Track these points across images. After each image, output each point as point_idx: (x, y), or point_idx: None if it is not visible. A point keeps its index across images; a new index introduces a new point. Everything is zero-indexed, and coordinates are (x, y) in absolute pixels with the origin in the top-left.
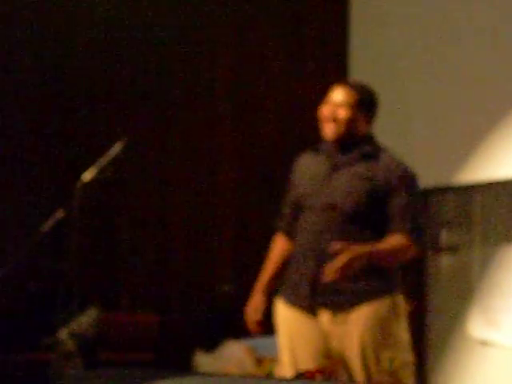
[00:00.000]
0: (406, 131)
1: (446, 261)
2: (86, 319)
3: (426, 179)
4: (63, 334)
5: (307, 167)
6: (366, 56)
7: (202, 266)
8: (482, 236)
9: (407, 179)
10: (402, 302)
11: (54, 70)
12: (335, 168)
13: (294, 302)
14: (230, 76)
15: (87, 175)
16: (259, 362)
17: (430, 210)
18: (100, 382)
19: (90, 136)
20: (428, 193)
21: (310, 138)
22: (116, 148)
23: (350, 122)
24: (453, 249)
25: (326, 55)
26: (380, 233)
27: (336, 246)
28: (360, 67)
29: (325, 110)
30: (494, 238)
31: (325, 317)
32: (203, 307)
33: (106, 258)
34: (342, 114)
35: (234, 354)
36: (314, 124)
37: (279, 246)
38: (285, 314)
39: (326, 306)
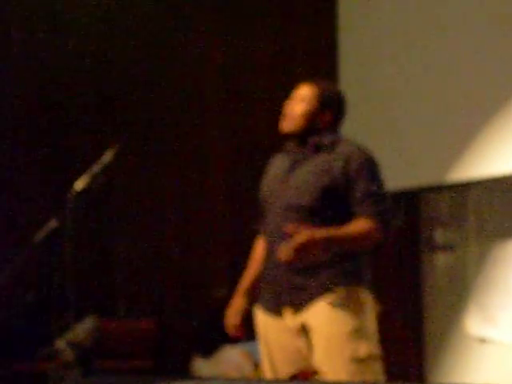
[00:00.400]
0: (397, 130)
1: (441, 259)
2: (84, 328)
3: (419, 178)
4: (61, 343)
5: (273, 168)
6: (355, 54)
7: (197, 270)
8: (477, 233)
9: (367, 164)
10: (366, 296)
11: (45, 79)
12: (293, 165)
13: (265, 306)
14: (220, 79)
15: (79, 184)
16: (257, 366)
17: (424, 209)
18: None
19: (80, 144)
20: (421, 191)
21: None
22: (107, 155)
23: (306, 117)
24: (448, 247)
25: (316, 55)
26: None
27: (291, 227)
28: (350, 65)
29: (286, 107)
30: (489, 235)
31: (288, 316)
32: (200, 312)
33: (101, 265)
34: (299, 108)
35: (231, 359)
36: None
37: (259, 249)
38: (260, 319)
39: (286, 305)
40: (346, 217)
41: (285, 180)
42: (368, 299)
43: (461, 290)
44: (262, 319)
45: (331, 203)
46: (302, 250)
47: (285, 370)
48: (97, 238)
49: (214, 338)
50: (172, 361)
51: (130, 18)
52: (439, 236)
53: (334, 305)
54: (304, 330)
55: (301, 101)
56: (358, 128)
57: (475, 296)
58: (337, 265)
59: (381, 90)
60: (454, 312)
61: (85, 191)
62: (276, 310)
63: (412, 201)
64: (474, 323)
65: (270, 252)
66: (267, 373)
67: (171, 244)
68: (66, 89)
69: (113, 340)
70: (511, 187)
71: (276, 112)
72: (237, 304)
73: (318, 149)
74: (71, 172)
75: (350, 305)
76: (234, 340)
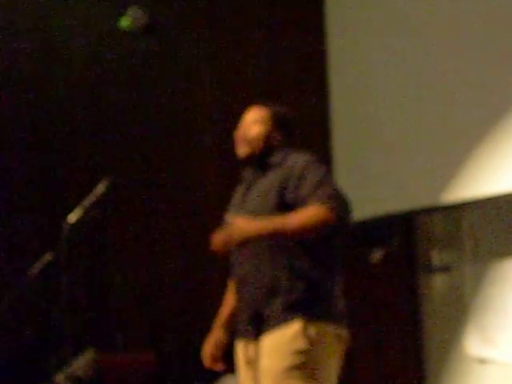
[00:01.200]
0: (390, 152)
1: (438, 281)
2: (82, 362)
3: (414, 200)
4: (60, 378)
5: (233, 199)
6: (346, 74)
7: (197, 300)
8: (473, 254)
9: (310, 164)
10: (329, 330)
11: (33, 107)
12: (247, 190)
13: (238, 335)
14: (212, 105)
15: (73, 216)
16: None
17: (420, 231)
18: None
19: (73, 177)
20: (416, 213)
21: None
22: (100, 187)
23: (264, 138)
24: (444, 268)
25: (305, 74)
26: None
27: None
28: (340, 86)
29: (238, 132)
30: (485, 255)
31: (240, 349)
32: (200, 342)
33: (97, 297)
34: (255, 130)
35: None
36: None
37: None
38: (237, 345)
39: (243, 335)
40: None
41: (241, 205)
42: (327, 335)
43: (459, 311)
44: (239, 345)
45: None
46: (234, 238)
47: None
48: (92, 269)
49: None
50: None
51: (122, 48)
52: (435, 257)
53: (276, 340)
54: (252, 362)
55: (255, 123)
56: (350, 151)
57: (473, 317)
58: (296, 292)
59: (373, 114)
60: (452, 333)
61: (78, 223)
62: (244, 336)
63: (407, 223)
64: (473, 344)
65: (236, 281)
66: None
67: (169, 274)
68: (58, 121)
69: (112, 373)
70: (506, 207)
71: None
72: (215, 336)
73: (268, 168)
74: (64, 205)
75: (294, 339)
76: (234, 369)
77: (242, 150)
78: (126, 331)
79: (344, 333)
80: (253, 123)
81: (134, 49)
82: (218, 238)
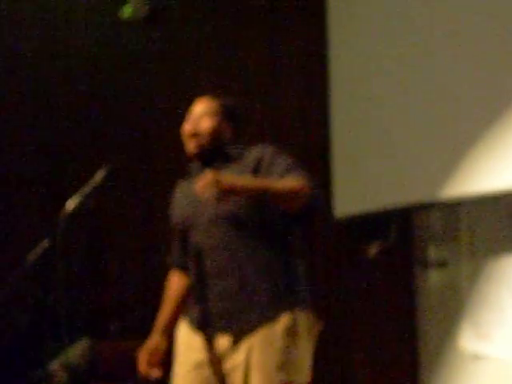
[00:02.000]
0: (388, 147)
1: (434, 276)
2: (77, 350)
3: (411, 195)
4: (54, 365)
5: (183, 194)
6: (346, 70)
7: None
8: (470, 250)
9: (278, 153)
10: (303, 320)
11: (33, 98)
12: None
13: (193, 325)
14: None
15: (70, 204)
16: None
17: (417, 227)
18: None
19: (72, 164)
20: (413, 209)
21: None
22: (99, 175)
23: (215, 132)
24: (441, 264)
25: (306, 69)
26: (280, 235)
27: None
28: (341, 81)
29: (186, 126)
30: (482, 252)
31: (221, 342)
32: None
33: (93, 286)
34: (205, 124)
35: None
36: (293, 143)
37: (175, 283)
38: (183, 338)
39: (221, 331)
40: (277, 221)
41: (199, 200)
42: (305, 324)
43: (454, 307)
44: (185, 338)
45: (251, 211)
46: (221, 186)
47: None
48: (89, 258)
49: None
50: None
51: (124, 40)
52: (432, 253)
53: (268, 336)
54: (233, 356)
55: (204, 116)
56: (349, 146)
57: (469, 313)
58: (272, 283)
59: (372, 109)
60: (447, 329)
61: (76, 211)
62: (207, 332)
63: (405, 218)
64: (468, 340)
65: (199, 272)
66: None
67: (164, 263)
68: (59, 109)
69: (107, 362)
70: (503, 203)
71: (268, 130)
72: (154, 343)
73: (226, 161)
74: (63, 192)
75: (287, 333)
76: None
77: (191, 145)
78: (121, 320)
79: (315, 319)
80: (202, 116)
81: (136, 38)
82: (207, 179)
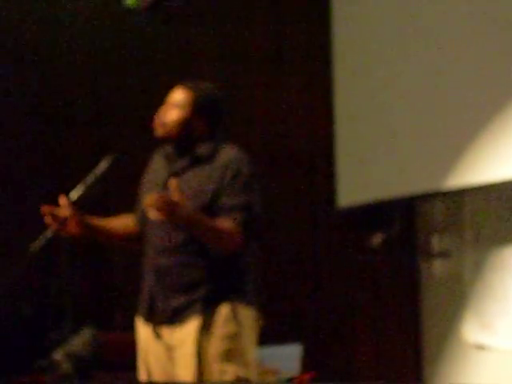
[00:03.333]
0: (392, 137)
1: (438, 266)
2: (81, 339)
3: (415, 185)
4: (58, 355)
5: (152, 169)
6: (350, 60)
7: None
8: (474, 240)
9: (242, 174)
10: (244, 313)
11: (36, 86)
12: (170, 177)
13: (144, 318)
14: (217, 82)
15: (74, 193)
16: (261, 372)
17: (420, 216)
18: None
19: (75, 153)
20: (417, 199)
21: (294, 148)
22: (103, 164)
23: (180, 125)
24: (444, 254)
25: (310, 61)
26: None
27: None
28: (344, 72)
29: (159, 110)
30: (486, 242)
31: (164, 332)
32: None
33: (98, 276)
34: (172, 115)
35: None
36: (298, 134)
37: (126, 216)
38: (140, 331)
39: (162, 321)
40: None
41: (162, 192)
42: (247, 317)
43: (458, 297)
44: (141, 330)
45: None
46: (168, 206)
47: (160, 378)
48: (94, 247)
49: None
50: None
51: (128, 27)
52: (436, 243)
53: (206, 325)
54: (176, 345)
55: (175, 106)
56: (352, 136)
57: (472, 303)
58: (215, 280)
59: (375, 99)
60: (451, 319)
61: (80, 200)
62: (153, 322)
63: (408, 208)
64: (472, 330)
65: (148, 266)
66: (143, 378)
67: None
68: (62, 98)
69: (110, 351)
70: (507, 193)
71: (272, 121)
72: (77, 212)
73: (196, 161)
74: (66, 182)
75: (223, 325)
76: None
77: (157, 131)
78: (125, 310)
79: (258, 314)
80: (172, 107)
81: (139, 27)
82: (161, 200)
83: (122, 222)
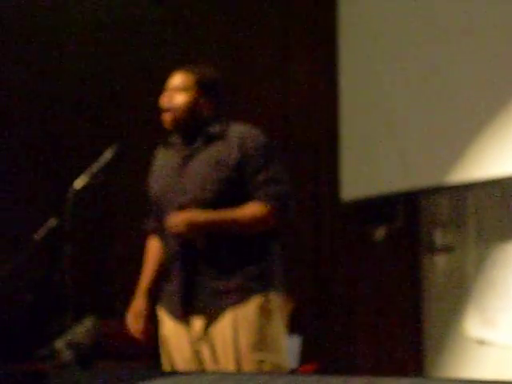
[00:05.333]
0: (396, 132)
1: (440, 261)
2: (82, 328)
3: (419, 180)
4: (59, 343)
5: (159, 165)
6: (355, 55)
7: None
8: (477, 235)
9: (262, 147)
10: (275, 301)
11: (43, 76)
12: (184, 161)
13: (169, 311)
14: (220, 69)
15: (79, 182)
16: None
17: (424, 211)
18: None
19: (80, 143)
20: (421, 193)
21: (298, 140)
22: (107, 154)
23: (189, 107)
24: (447, 249)
25: (315, 55)
26: None
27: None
28: (349, 66)
29: (162, 98)
30: (489, 237)
31: (197, 325)
32: None
33: (100, 265)
34: (179, 99)
35: None
36: (302, 126)
37: (153, 248)
38: (163, 321)
39: (196, 313)
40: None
41: (178, 176)
42: (278, 305)
43: (460, 292)
44: (165, 320)
45: (232, 195)
46: (189, 225)
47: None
48: (96, 237)
49: None
50: None
51: (131, 18)
52: (439, 238)
53: (246, 315)
54: (209, 338)
55: (179, 91)
56: (357, 129)
57: (474, 298)
58: (247, 267)
59: (380, 92)
60: (453, 314)
61: (84, 190)
62: (183, 317)
63: (412, 202)
64: (473, 325)
65: (172, 255)
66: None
67: None
68: (66, 87)
69: (112, 341)
70: (511, 189)
71: (276, 113)
72: (138, 307)
73: (209, 140)
74: (71, 171)
75: (261, 314)
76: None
77: (166, 120)
78: (126, 300)
79: (286, 299)
80: (176, 91)
81: (143, 15)
82: (182, 221)
83: (157, 262)
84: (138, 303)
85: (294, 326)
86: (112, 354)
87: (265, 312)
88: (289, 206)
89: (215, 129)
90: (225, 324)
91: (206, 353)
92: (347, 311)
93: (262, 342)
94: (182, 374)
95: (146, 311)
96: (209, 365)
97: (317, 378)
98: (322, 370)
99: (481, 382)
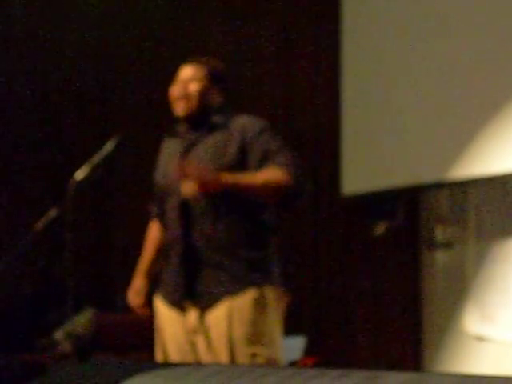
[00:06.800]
0: (397, 127)
1: (440, 256)
2: (82, 320)
3: (419, 176)
4: (59, 334)
5: (165, 153)
6: (358, 50)
7: None
8: (477, 231)
9: (263, 130)
10: (271, 295)
11: (43, 69)
12: (188, 148)
13: (165, 298)
14: (225, 62)
15: (80, 174)
16: None
17: (424, 207)
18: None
19: (82, 134)
20: (421, 189)
21: (299, 135)
22: (109, 146)
23: (202, 95)
24: (447, 245)
25: (318, 52)
26: (259, 206)
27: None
28: (352, 62)
29: (174, 90)
30: (489, 234)
31: (192, 314)
32: None
33: (100, 257)
34: (193, 87)
35: None
36: (304, 121)
37: (153, 233)
38: (158, 309)
39: (189, 302)
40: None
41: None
42: (274, 299)
43: (460, 288)
44: (161, 310)
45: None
46: (206, 186)
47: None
48: (96, 228)
49: None
50: None
51: (131, 12)
52: (439, 234)
53: (236, 308)
54: (204, 328)
55: (191, 80)
56: (359, 125)
57: (474, 294)
58: (245, 259)
59: (381, 88)
60: (452, 310)
61: (85, 181)
62: (177, 304)
63: (412, 198)
64: (473, 321)
65: (172, 242)
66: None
67: None
68: (68, 78)
69: (111, 333)
70: (511, 185)
71: (278, 106)
72: (137, 285)
73: (212, 128)
74: (72, 162)
75: (256, 307)
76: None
77: (180, 108)
78: (125, 291)
79: (283, 293)
80: (189, 81)
81: (147, 8)
82: (202, 176)
83: (157, 244)
84: (138, 281)
85: (297, 325)
86: (111, 346)
87: (259, 305)
88: (301, 174)
89: (218, 119)
90: (220, 315)
91: (201, 344)
92: (346, 306)
93: (255, 335)
94: (177, 365)
95: (145, 288)
96: (204, 356)
97: (315, 371)
98: (322, 364)
99: (479, 376)
